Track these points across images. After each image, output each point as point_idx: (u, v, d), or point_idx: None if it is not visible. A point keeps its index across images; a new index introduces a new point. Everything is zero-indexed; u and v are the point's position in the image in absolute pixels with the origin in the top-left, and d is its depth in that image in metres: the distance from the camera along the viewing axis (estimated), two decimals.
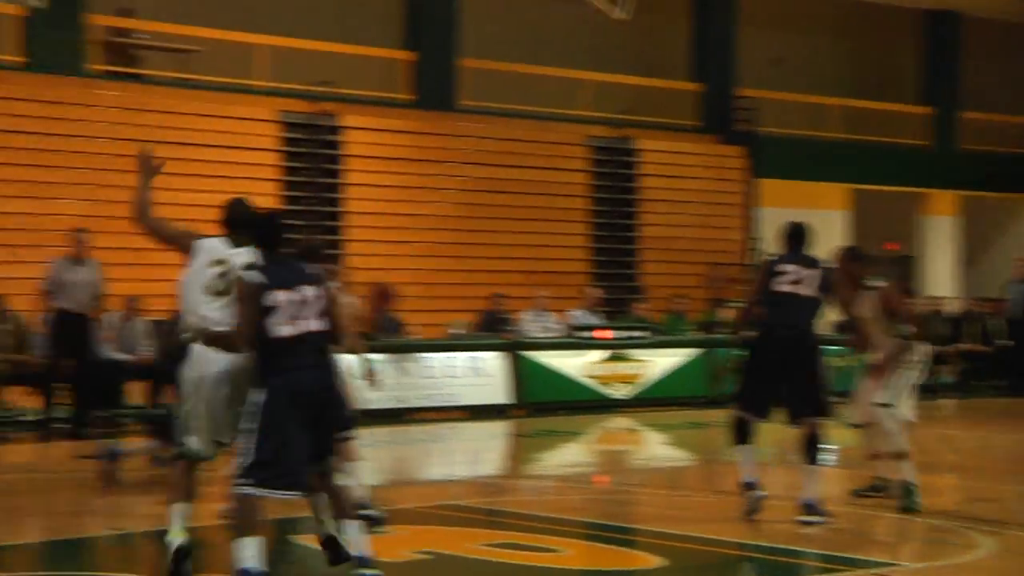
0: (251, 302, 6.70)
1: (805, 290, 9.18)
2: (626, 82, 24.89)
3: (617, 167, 24.22)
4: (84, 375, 14.68)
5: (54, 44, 19.24)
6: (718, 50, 26.17)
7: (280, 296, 6.69)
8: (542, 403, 18.06)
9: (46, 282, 14.52)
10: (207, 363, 7.13)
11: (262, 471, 6.65)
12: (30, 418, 15.18)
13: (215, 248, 7.34)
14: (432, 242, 21.56)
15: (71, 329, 14.41)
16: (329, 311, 6.87)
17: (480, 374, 17.76)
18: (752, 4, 26.43)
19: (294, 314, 6.71)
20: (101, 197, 18.62)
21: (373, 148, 21.75)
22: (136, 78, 20.80)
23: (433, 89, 22.99)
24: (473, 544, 8.48)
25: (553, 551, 8.32)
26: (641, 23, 24.21)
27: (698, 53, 26.27)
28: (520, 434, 16.86)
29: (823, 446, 9.29)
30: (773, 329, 9.19)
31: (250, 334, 6.74)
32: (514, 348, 18.10)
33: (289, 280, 6.76)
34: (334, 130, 21.38)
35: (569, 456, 15.00)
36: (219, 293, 7.22)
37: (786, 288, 9.17)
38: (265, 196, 20.45)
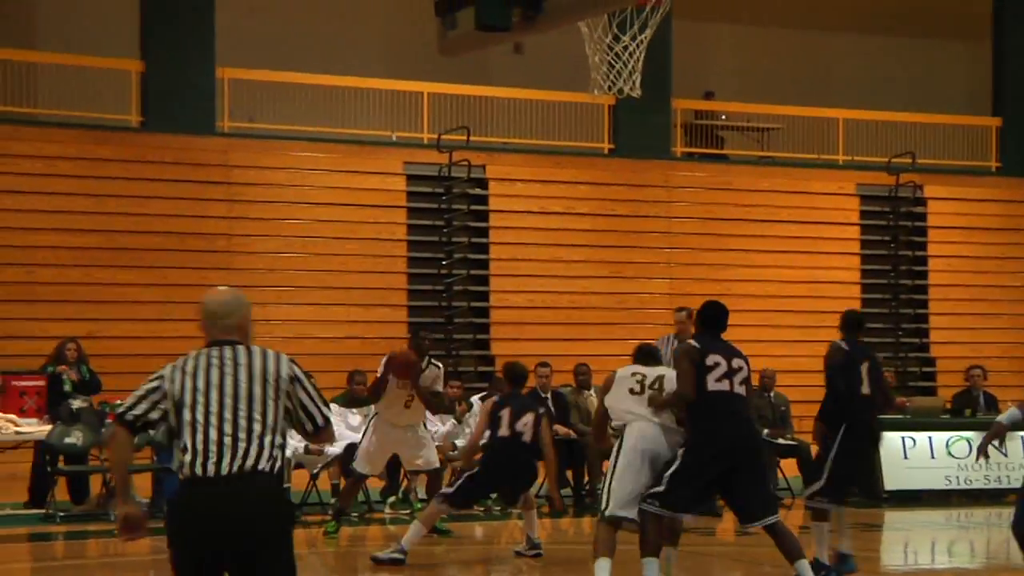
0: (688, 361, 7.96)
1: None
2: None
3: None
4: None
5: (641, 129, 20.08)
6: None
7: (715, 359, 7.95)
8: None
9: None
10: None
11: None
12: None
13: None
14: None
15: None
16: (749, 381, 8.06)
17: None
18: None
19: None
20: (686, 275, 19.20)
21: (958, 219, 21.05)
22: (718, 158, 21.33)
23: (1022, 156, 21.93)
24: None
25: None
26: None
27: None
28: None
29: None
30: None
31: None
32: None
33: (721, 349, 8.02)
34: (917, 202, 20.89)
35: None
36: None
37: None
38: (846, 270, 20.30)
